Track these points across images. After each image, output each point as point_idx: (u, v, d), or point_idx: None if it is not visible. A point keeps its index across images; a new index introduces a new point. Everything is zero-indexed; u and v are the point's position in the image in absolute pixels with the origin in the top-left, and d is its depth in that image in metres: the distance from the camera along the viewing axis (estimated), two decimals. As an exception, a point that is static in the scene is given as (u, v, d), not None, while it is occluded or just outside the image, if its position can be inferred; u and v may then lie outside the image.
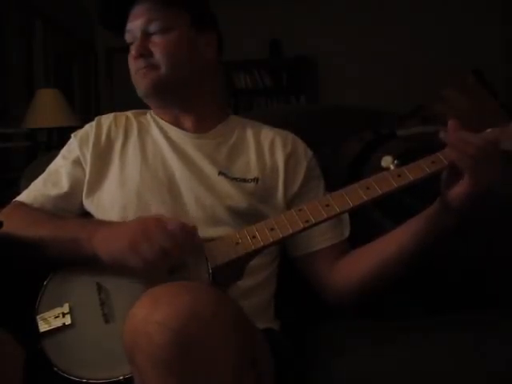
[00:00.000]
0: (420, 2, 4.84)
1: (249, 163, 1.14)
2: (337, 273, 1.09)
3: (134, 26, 1.14)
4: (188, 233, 0.90)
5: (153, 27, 1.12)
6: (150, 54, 1.12)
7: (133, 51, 1.14)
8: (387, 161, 0.95)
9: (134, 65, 1.14)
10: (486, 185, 0.91)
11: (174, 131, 1.17)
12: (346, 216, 1.14)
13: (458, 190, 0.92)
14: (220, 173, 1.11)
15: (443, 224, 0.98)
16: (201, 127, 1.17)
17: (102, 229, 0.97)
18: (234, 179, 1.11)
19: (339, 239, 1.13)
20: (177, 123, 1.18)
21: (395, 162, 0.95)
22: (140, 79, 1.13)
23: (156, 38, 1.12)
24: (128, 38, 1.16)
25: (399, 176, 0.94)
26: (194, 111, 1.18)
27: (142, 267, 0.88)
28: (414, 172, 0.93)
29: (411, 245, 1.01)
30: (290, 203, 1.12)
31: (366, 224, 1.20)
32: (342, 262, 1.10)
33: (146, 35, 1.13)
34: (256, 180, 1.12)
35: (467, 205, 0.93)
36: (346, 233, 1.14)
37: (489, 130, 0.97)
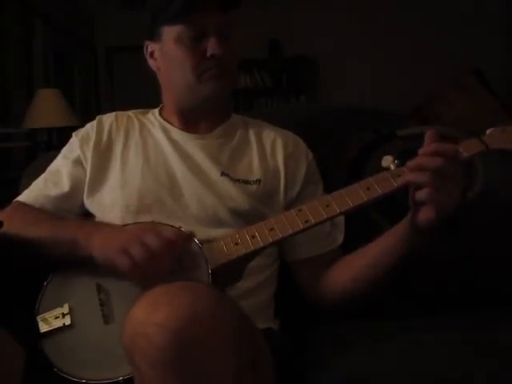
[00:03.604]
0: (420, 3, 4.84)
1: (251, 164, 1.14)
2: (323, 282, 1.09)
3: (210, 21, 1.06)
4: (182, 239, 0.90)
5: (227, 31, 1.08)
6: (224, 58, 1.07)
7: (213, 50, 1.05)
8: (388, 160, 0.95)
9: (205, 64, 1.07)
10: (452, 205, 0.88)
11: (176, 131, 1.16)
12: (342, 221, 1.14)
13: (424, 215, 0.89)
14: (223, 173, 1.10)
15: (413, 243, 0.96)
16: (203, 127, 1.17)
17: (99, 231, 0.97)
18: (236, 180, 1.10)
19: (330, 248, 1.12)
20: (181, 125, 1.17)
21: (396, 161, 0.94)
22: (208, 81, 1.07)
23: (227, 43, 1.08)
24: (190, 29, 1.06)
25: (400, 176, 0.93)
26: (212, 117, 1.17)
27: (130, 268, 0.88)
28: (414, 172, 0.93)
29: (387, 261, 1.00)
30: (289, 206, 1.11)
31: (363, 224, 1.20)
32: (329, 271, 1.10)
33: (220, 36, 1.07)
34: (258, 182, 1.11)
35: (435, 226, 0.90)
36: (340, 239, 1.14)
37: (490, 130, 0.96)
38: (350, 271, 1.06)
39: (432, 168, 0.86)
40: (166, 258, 0.87)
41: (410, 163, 0.90)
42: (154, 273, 0.87)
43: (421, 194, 0.88)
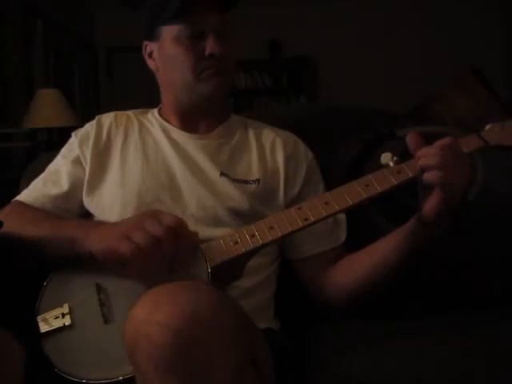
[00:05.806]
0: (420, 2, 4.84)
1: (250, 164, 1.14)
2: (326, 280, 1.09)
3: (209, 20, 1.07)
4: (183, 226, 0.89)
5: (225, 30, 1.09)
6: (222, 57, 1.08)
7: (211, 49, 1.06)
8: (387, 157, 0.95)
9: (203, 63, 1.08)
10: (457, 193, 0.88)
11: (175, 131, 1.16)
12: (344, 220, 1.14)
13: (431, 203, 0.89)
14: (222, 173, 1.11)
15: (420, 239, 0.96)
16: (203, 127, 1.17)
17: (99, 227, 0.96)
18: (235, 180, 1.10)
19: (332, 245, 1.12)
20: (180, 125, 1.17)
21: (394, 158, 0.94)
22: (206, 80, 1.08)
23: (226, 42, 1.09)
24: (189, 29, 1.08)
25: (399, 173, 0.93)
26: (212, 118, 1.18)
27: (133, 254, 0.85)
28: (413, 169, 0.92)
29: (393, 259, 1.00)
30: (289, 206, 1.11)
31: (362, 224, 1.20)
32: (332, 269, 1.09)
33: (219, 35, 1.08)
34: (257, 181, 1.11)
35: (442, 217, 0.89)
36: (343, 237, 1.14)
37: (489, 126, 0.96)
38: (356, 270, 1.06)
39: (436, 153, 0.87)
40: (169, 243, 0.86)
41: (419, 151, 0.90)
42: (157, 259, 0.86)
43: (429, 175, 0.87)
